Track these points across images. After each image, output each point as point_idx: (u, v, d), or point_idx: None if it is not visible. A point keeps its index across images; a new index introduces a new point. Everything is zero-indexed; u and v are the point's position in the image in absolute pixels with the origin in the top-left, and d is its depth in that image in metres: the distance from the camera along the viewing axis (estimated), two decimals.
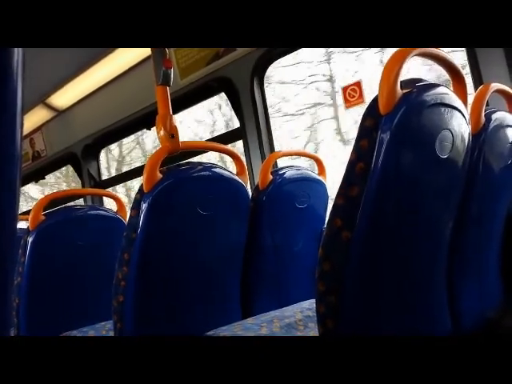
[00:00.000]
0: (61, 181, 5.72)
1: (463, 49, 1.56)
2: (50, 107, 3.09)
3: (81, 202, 3.29)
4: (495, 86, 1.05)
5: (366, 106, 0.73)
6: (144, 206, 1.10)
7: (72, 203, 2.50)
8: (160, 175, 1.11)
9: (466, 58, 1.51)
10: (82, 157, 3.17)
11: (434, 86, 0.76)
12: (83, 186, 3.22)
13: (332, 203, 0.75)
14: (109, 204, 3.02)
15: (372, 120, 0.71)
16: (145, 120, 2.69)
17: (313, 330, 1.09)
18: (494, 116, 0.99)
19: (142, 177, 1.12)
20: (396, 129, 0.69)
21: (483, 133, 0.96)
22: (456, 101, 0.80)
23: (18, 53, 0.27)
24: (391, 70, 0.71)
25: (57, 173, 4.98)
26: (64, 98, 2.99)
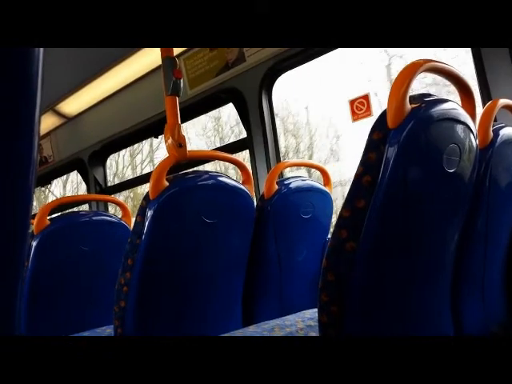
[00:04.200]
0: None
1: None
2: (59, 114, 3.13)
3: (86, 207, 3.31)
4: (503, 101, 1.05)
5: (375, 120, 0.73)
6: (149, 212, 1.10)
7: (76, 209, 2.51)
8: (166, 183, 1.12)
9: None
10: (89, 163, 3.19)
11: (443, 101, 0.76)
12: (89, 191, 3.24)
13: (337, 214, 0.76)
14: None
15: (380, 133, 0.71)
16: (153, 128, 2.71)
17: None
18: (501, 131, 0.99)
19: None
20: (404, 143, 0.70)
21: (491, 148, 0.96)
22: (464, 116, 0.80)
23: (38, 54, 0.27)
24: (400, 84, 0.72)
25: None
26: (73, 105, 3.02)
